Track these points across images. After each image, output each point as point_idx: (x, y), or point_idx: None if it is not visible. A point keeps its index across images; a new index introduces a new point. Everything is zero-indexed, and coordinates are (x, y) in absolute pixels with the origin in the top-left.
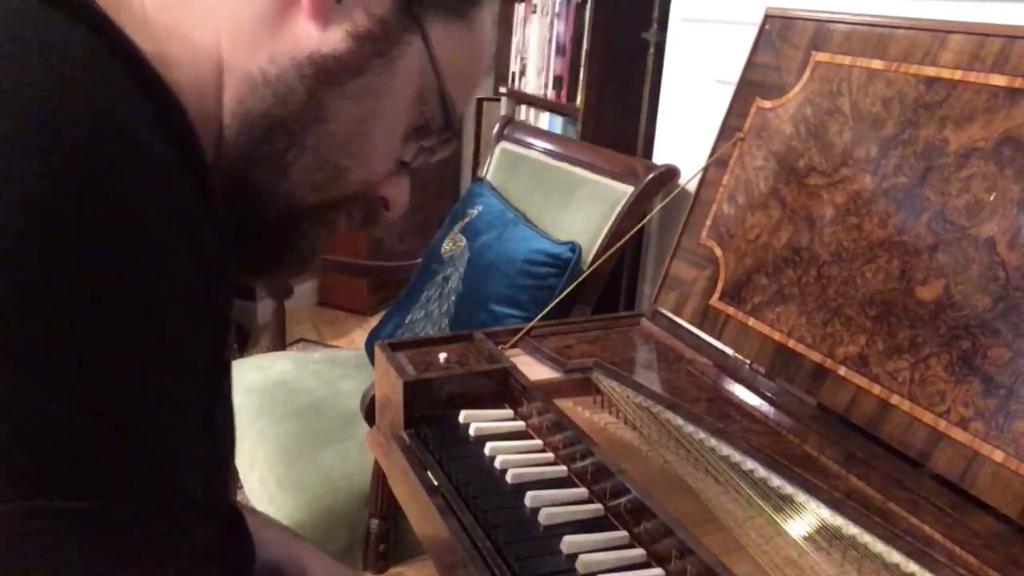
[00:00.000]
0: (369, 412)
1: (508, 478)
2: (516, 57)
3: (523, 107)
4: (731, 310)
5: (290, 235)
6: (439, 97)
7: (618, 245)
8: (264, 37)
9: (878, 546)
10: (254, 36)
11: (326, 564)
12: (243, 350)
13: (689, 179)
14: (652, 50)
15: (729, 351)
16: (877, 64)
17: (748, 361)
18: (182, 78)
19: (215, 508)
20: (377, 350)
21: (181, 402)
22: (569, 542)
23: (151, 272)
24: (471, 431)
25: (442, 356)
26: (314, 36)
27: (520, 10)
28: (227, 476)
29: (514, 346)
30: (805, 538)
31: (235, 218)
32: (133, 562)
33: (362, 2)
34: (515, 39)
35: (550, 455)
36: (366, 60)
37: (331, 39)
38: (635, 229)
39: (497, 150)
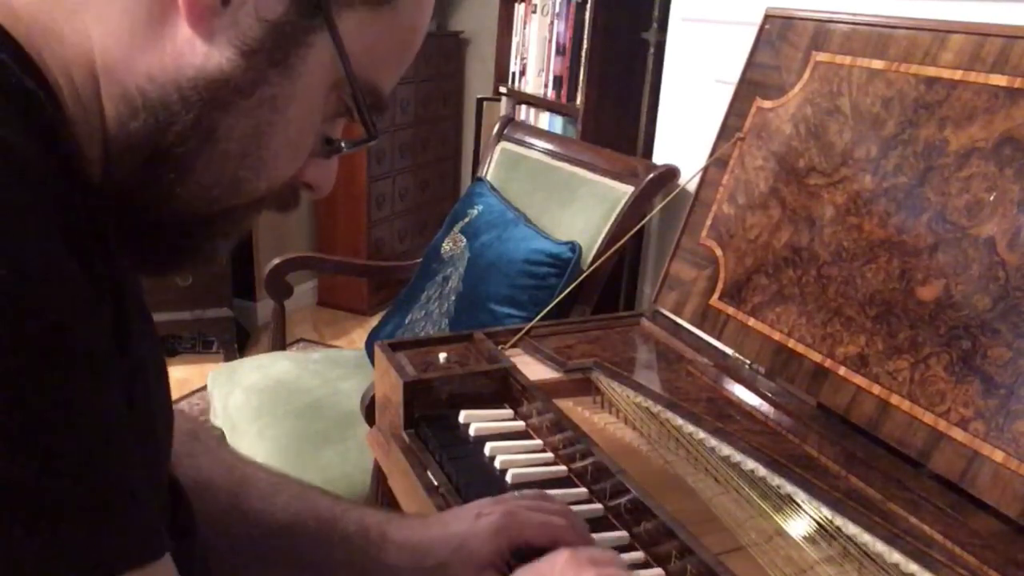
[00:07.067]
0: (369, 412)
1: (508, 478)
2: (516, 57)
3: (523, 107)
4: (731, 310)
5: (189, 242)
6: (352, 92)
7: (618, 245)
8: (141, 47)
9: (878, 546)
10: (129, 43)
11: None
12: (243, 350)
13: (689, 179)
14: (652, 50)
15: (729, 351)
16: (877, 64)
17: (748, 361)
18: (58, 78)
19: (153, 483)
20: (377, 350)
21: (88, 385)
22: None
23: (27, 270)
24: (471, 431)
25: (442, 356)
26: (199, 50)
27: (520, 10)
28: (160, 454)
29: (514, 346)
30: (805, 538)
31: (131, 223)
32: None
33: (252, 6)
34: (515, 39)
35: (550, 455)
36: (260, 75)
37: (217, 55)
38: (635, 229)
39: (497, 150)
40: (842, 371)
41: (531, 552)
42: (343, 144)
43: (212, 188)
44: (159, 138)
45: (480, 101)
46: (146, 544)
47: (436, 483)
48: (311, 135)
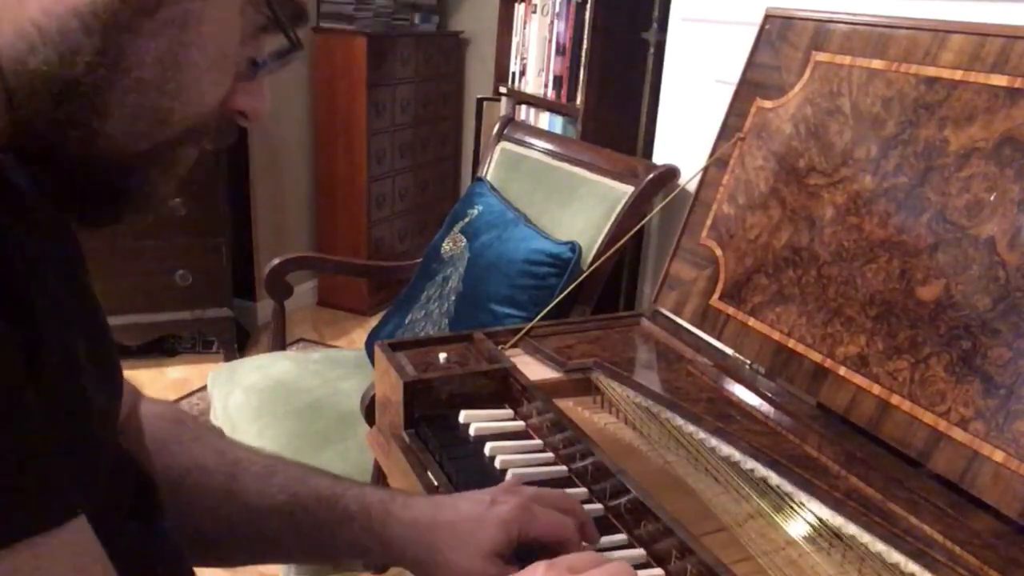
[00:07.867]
0: (369, 412)
1: (508, 478)
2: (516, 57)
3: (523, 107)
4: (731, 310)
5: (126, 185)
6: (267, 1)
7: (618, 245)
8: None
9: (878, 546)
10: None
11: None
12: (243, 350)
13: (689, 179)
14: (652, 50)
15: (729, 351)
16: (877, 64)
17: (748, 361)
18: None
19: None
20: (377, 350)
21: None
22: None
23: None
24: (471, 431)
25: (442, 356)
26: None
27: (520, 10)
28: (85, 423)
29: (514, 346)
30: (805, 538)
31: (62, 174)
32: None
33: None
34: (515, 39)
35: (550, 455)
36: None
37: None
38: (635, 229)
39: (497, 150)
40: (842, 371)
41: (533, 548)
42: (268, 61)
43: (135, 122)
44: (66, 71)
45: (480, 101)
46: (33, 514)
47: (436, 483)
48: (231, 55)
